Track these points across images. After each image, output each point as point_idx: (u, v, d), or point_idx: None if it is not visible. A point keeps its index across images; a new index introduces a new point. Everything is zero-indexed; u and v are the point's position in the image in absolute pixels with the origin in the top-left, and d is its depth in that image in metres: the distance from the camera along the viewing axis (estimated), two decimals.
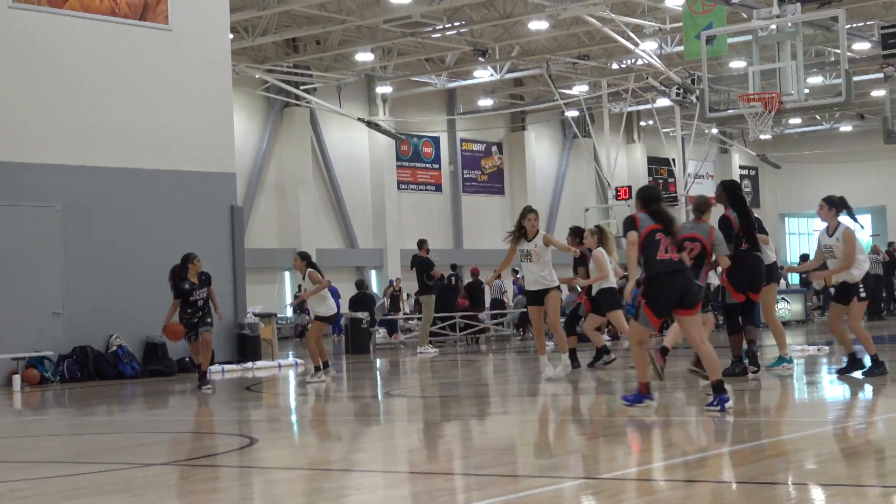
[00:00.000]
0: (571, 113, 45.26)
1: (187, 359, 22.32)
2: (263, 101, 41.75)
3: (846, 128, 57.73)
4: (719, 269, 14.86)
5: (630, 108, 46.64)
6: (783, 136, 59.01)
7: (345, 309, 30.89)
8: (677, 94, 35.28)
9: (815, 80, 41.35)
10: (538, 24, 36.06)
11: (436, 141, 48.22)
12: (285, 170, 42.36)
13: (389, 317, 33.10)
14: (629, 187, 43.82)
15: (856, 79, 34.88)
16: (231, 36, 26.59)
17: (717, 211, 15.33)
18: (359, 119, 41.04)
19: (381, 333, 31.08)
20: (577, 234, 18.90)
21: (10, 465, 10.34)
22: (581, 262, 18.41)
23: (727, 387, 11.69)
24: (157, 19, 22.71)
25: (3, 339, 20.18)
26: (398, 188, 45.92)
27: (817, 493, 7.45)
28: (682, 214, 42.61)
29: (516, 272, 39.82)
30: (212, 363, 22.29)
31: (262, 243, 40.53)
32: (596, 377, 17.07)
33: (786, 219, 63.01)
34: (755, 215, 15.76)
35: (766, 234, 15.83)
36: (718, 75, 37.99)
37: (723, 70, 40.85)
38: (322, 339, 18.50)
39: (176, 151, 22.85)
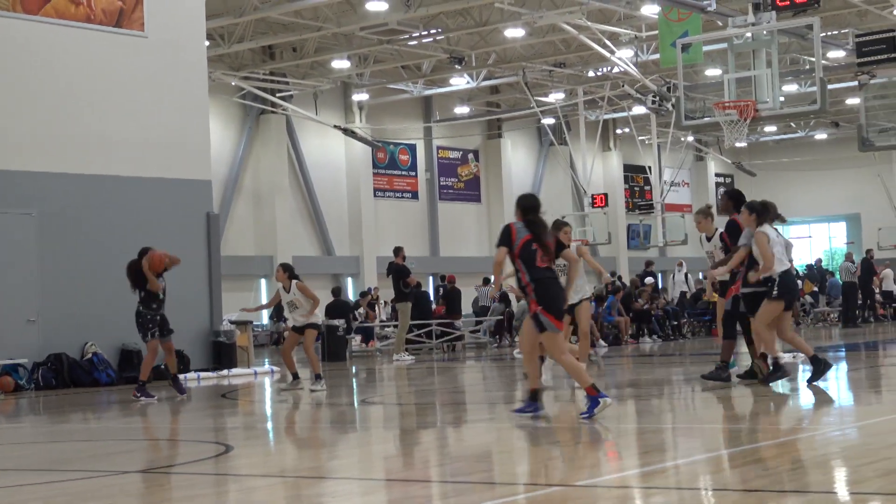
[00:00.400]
0: (547, 120, 45.32)
1: (163, 366, 22.27)
2: (240, 108, 41.68)
3: (821, 136, 57.96)
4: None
5: (606, 116, 46.71)
6: (758, 143, 59.22)
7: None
8: (653, 102, 35.39)
9: (791, 88, 41.55)
10: (514, 32, 36.11)
11: (412, 148, 48.21)
12: (261, 177, 42.29)
13: (366, 324, 33.07)
14: (605, 195, 43.95)
15: (830, 87, 34.99)
16: (207, 43, 26.53)
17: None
18: (335, 126, 41.02)
19: (357, 341, 31.06)
20: None
21: None
22: None
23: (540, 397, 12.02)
24: (132, 26, 22.66)
25: None
26: (374, 195, 45.89)
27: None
28: (657, 222, 42.76)
29: (487, 281, 39.79)
30: (187, 370, 22.28)
31: (239, 250, 40.45)
32: (571, 384, 17.08)
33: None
34: None
35: None
36: (694, 83, 38.13)
37: (698, 78, 40.99)
38: (293, 349, 18.38)
39: (152, 158, 22.79)
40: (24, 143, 21.32)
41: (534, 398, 12.17)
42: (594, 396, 11.80)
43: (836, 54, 38.49)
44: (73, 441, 13.21)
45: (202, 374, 22.14)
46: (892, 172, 49.98)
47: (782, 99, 24.21)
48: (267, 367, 24.11)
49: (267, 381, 21.66)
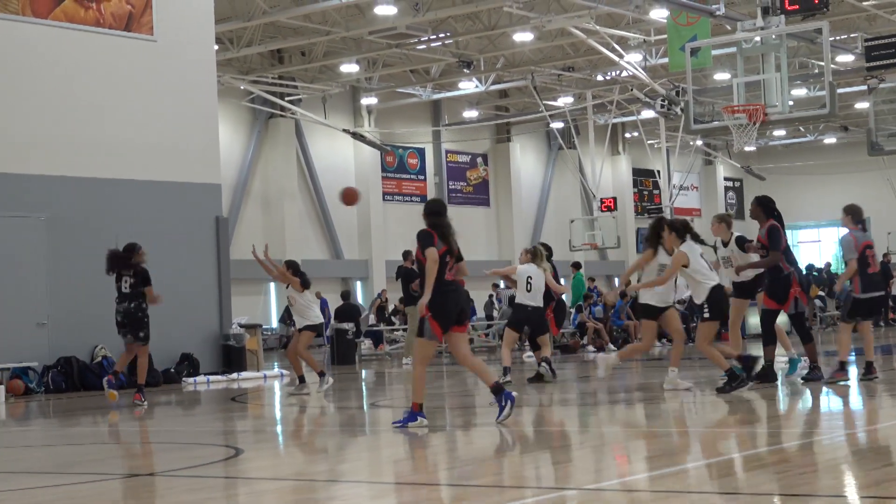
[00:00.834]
0: (556, 124, 45.32)
1: (172, 369, 22.30)
2: (249, 112, 41.72)
3: (830, 140, 57.90)
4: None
5: (615, 120, 46.70)
6: (767, 147, 59.15)
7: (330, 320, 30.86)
8: (662, 106, 35.35)
9: (800, 92, 41.48)
10: (523, 36, 36.12)
11: (421, 152, 48.23)
12: (271, 181, 42.33)
13: (375, 328, 33.07)
14: (614, 199, 43.95)
15: (840, 91, 34.97)
16: (216, 47, 26.59)
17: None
18: (344, 130, 41.04)
19: (366, 344, 31.05)
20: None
21: None
22: None
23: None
24: (142, 30, 22.70)
25: None
26: (383, 199, 45.91)
27: None
28: None
29: (497, 286, 39.85)
30: (196, 374, 22.30)
31: (248, 254, 40.22)
32: (580, 389, 17.08)
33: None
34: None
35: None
36: (703, 87, 38.06)
37: (707, 82, 40.93)
38: (309, 350, 18.44)
39: (161, 162, 22.83)
40: (33, 147, 21.36)
41: (497, 390, 12.25)
42: (418, 412, 12.07)
43: (846, 58, 38.45)
44: (83, 444, 13.23)
45: (212, 378, 22.16)
46: None
47: (791, 103, 24.18)
48: (276, 370, 24.12)
49: (276, 384, 21.67)
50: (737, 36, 23.62)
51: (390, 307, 38.94)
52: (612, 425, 12.61)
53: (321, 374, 18.00)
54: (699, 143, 50.60)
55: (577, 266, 32.11)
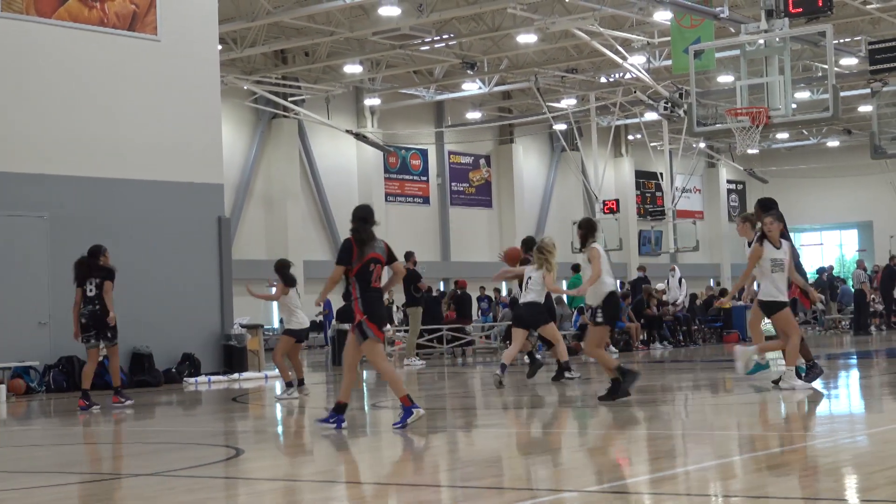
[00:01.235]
0: (559, 126, 45.32)
1: (174, 369, 22.30)
2: (252, 112, 41.74)
3: (833, 143, 57.87)
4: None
5: (618, 122, 46.71)
6: (771, 150, 59.14)
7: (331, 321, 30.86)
8: (665, 108, 35.35)
9: (803, 95, 41.49)
10: (527, 38, 36.13)
11: (424, 153, 48.24)
12: (273, 181, 42.34)
13: None
14: (617, 201, 43.92)
15: (843, 94, 35.02)
16: (220, 47, 26.59)
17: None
18: (347, 131, 41.06)
19: None
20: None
21: None
22: None
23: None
24: (145, 30, 22.71)
25: None
26: (386, 200, 45.91)
27: None
28: (669, 228, 42.74)
29: (498, 291, 39.88)
30: (197, 374, 22.29)
31: (250, 254, 40.48)
32: (582, 391, 17.07)
33: None
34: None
35: None
36: (706, 89, 38.07)
37: (710, 84, 40.93)
38: (297, 355, 18.18)
39: (164, 162, 22.83)
40: (36, 146, 21.37)
41: (339, 410, 12.40)
42: (408, 407, 12.16)
43: (849, 61, 38.44)
44: (84, 444, 13.23)
45: (213, 378, 22.16)
46: None
47: (794, 106, 24.20)
48: (277, 371, 24.08)
49: (278, 385, 21.66)
50: (740, 38, 23.62)
51: (394, 308, 38.98)
52: (613, 427, 12.59)
53: (288, 384, 17.81)
54: (702, 145, 50.59)
55: (576, 268, 32.08)
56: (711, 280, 54.90)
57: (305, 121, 42.33)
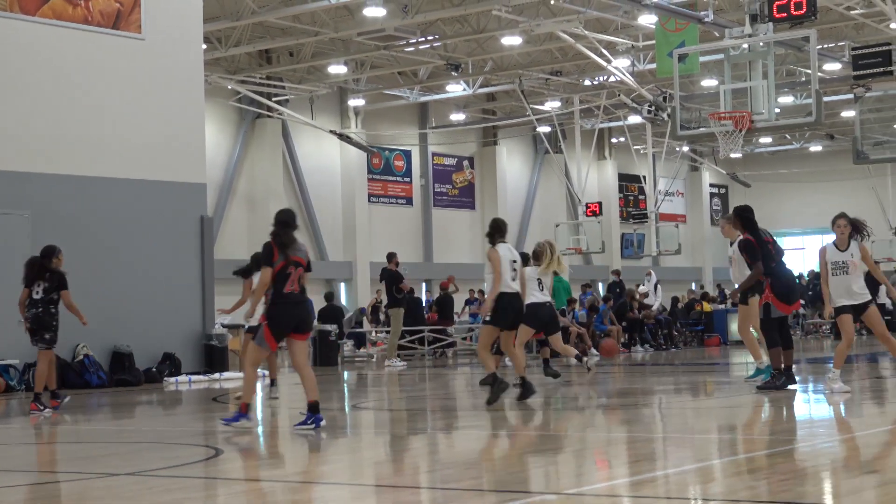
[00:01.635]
0: (543, 128, 45.32)
1: (154, 368, 22.26)
2: (235, 111, 41.66)
3: (816, 147, 58.02)
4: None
5: (602, 125, 46.72)
6: (753, 154, 59.27)
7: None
8: (649, 112, 35.39)
9: (786, 99, 41.55)
10: (511, 40, 36.13)
11: (407, 154, 48.22)
12: (256, 181, 42.28)
13: (358, 329, 33.05)
14: (600, 203, 43.95)
15: (826, 99, 35.09)
16: (204, 46, 26.55)
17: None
18: (331, 131, 41.00)
19: (349, 346, 31.03)
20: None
21: None
22: None
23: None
24: (129, 28, 22.66)
25: None
26: (369, 201, 45.87)
27: None
28: (651, 231, 42.78)
29: (483, 293, 39.73)
30: (178, 374, 22.25)
31: (232, 254, 40.31)
32: (563, 391, 17.08)
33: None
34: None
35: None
36: (690, 93, 38.12)
37: (694, 88, 40.99)
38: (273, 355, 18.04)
39: (147, 161, 22.79)
40: (19, 144, 21.31)
41: (313, 410, 12.54)
42: (243, 413, 12.52)
43: (833, 67, 38.53)
44: (63, 443, 13.19)
45: (193, 378, 22.13)
46: (886, 185, 50.05)
47: (778, 110, 24.20)
48: (258, 371, 24.04)
49: (258, 385, 21.62)
50: (724, 43, 23.65)
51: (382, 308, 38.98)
52: (594, 430, 12.61)
53: (272, 382, 17.77)
54: (685, 149, 50.64)
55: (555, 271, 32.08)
56: (693, 283, 55.00)
57: (289, 121, 42.26)
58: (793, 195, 58.73)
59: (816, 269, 50.65)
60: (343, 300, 42.84)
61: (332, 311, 30.71)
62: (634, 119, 43.26)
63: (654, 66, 34.00)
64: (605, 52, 34.49)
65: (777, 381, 15.63)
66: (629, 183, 56.85)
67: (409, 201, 48.24)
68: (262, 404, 17.23)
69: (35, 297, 16.30)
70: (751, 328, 17.18)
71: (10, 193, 21.04)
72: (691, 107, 31.26)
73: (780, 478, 8.63)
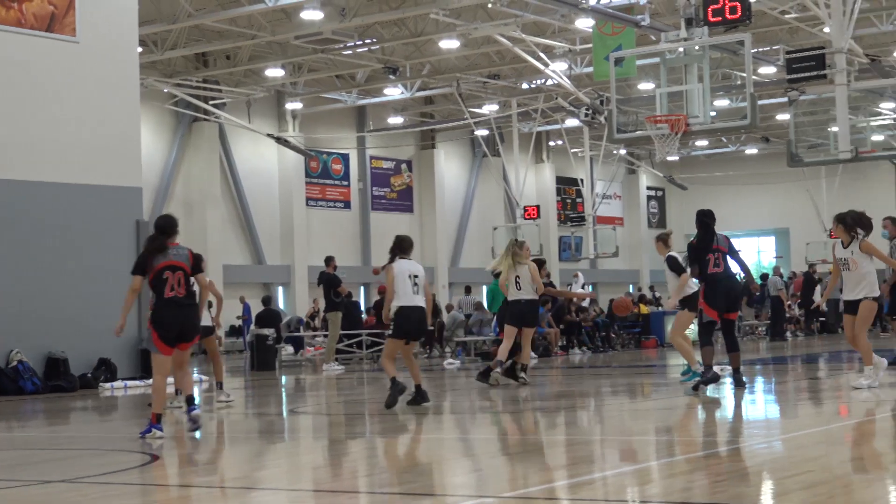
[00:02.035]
0: (481, 132, 45.40)
1: (89, 374, 22.07)
2: (172, 115, 41.42)
3: (751, 150, 58.55)
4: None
5: (539, 128, 46.86)
6: (690, 157, 59.69)
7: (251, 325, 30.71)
8: (586, 115, 35.52)
9: (722, 102, 41.90)
10: (449, 43, 36.16)
11: (345, 158, 48.14)
12: (193, 185, 42.05)
13: (296, 333, 32.94)
14: (538, 207, 44.07)
15: (761, 102, 35.33)
16: (140, 49, 26.36)
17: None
18: (268, 135, 40.84)
19: (287, 350, 30.91)
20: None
21: None
22: None
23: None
24: (64, 31, 22.46)
25: None
26: (307, 205, 45.77)
27: None
28: (589, 234, 42.97)
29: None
30: (114, 379, 22.08)
31: None
32: (503, 396, 17.11)
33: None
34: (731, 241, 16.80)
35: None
36: (627, 97, 38.36)
37: (631, 92, 41.24)
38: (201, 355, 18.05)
39: (82, 165, 22.59)
40: None
41: (189, 402, 12.73)
42: (153, 424, 12.51)
43: (767, 70, 38.88)
44: None
45: (129, 383, 21.96)
46: (820, 188, 50.52)
47: (713, 114, 24.40)
48: (196, 376, 23.92)
49: (195, 389, 21.48)
50: (660, 46, 23.78)
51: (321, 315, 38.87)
52: (532, 433, 12.63)
53: (176, 392, 17.64)
54: (622, 152, 50.93)
55: (497, 273, 32.13)
56: (631, 286, 55.30)
57: (226, 124, 42.07)
58: (729, 197, 59.20)
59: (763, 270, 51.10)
60: (281, 304, 42.70)
61: (270, 316, 30.58)
62: (572, 122, 43.41)
63: (591, 69, 34.13)
64: (542, 55, 34.59)
65: (706, 374, 16.03)
66: (567, 186, 57.08)
67: (348, 205, 48.16)
68: (212, 407, 17.11)
69: None
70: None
71: None
72: (628, 110, 31.46)
73: (716, 479, 8.69)
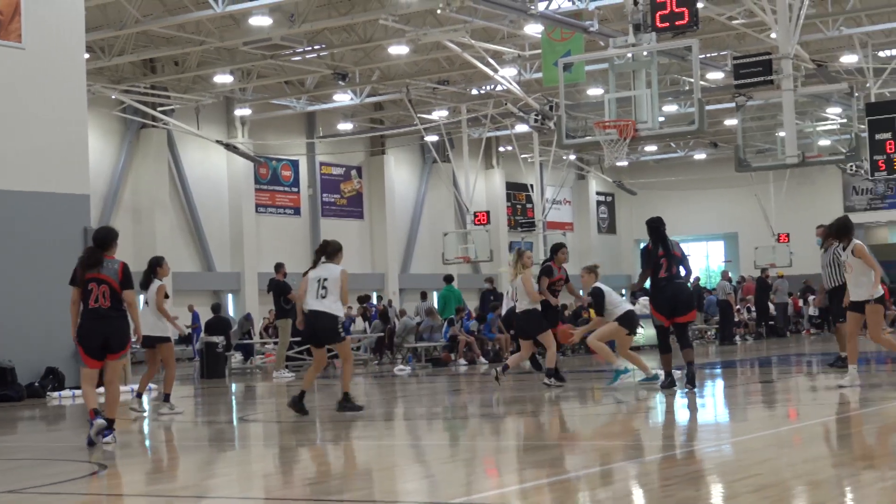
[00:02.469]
0: (431, 138, 45.40)
1: (37, 383, 21.88)
2: (120, 121, 41.18)
3: (700, 155, 58.89)
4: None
5: (489, 134, 46.95)
6: (639, 163, 59.97)
7: (201, 333, 30.55)
8: (535, 121, 35.61)
9: (670, 108, 42.09)
10: (398, 49, 36.15)
11: (295, 164, 48.04)
12: (142, 192, 41.83)
13: (245, 341, 32.80)
14: (488, 212, 44.12)
15: (709, 108, 35.61)
16: (87, 55, 26.18)
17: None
18: (217, 141, 40.69)
19: (236, 358, 30.78)
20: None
21: None
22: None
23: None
24: (9, 37, 22.26)
25: None
26: (256, 211, 45.63)
27: None
28: (539, 239, 43.07)
29: (366, 301, 39.53)
30: (62, 388, 21.91)
31: None
32: (451, 402, 17.11)
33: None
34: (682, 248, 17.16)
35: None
36: (576, 102, 38.35)
37: (580, 97, 41.31)
38: (155, 364, 17.91)
39: (28, 172, 22.39)
40: None
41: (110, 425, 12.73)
42: (92, 419, 12.64)
43: (715, 76, 39.11)
44: None
45: (77, 392, 21.76)
46: (768, 192, 50.91)
47: (662, 119, 24.44)
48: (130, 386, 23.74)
49: (145, 398, 21.36)
50: (609, 52, 23.86)
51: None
52: (482, 438, 12.63)
53: (139, 395, 17.66)
54: (572, 157, 51.08)
55: (448, 279, 32.17)
56: (581, 291, 55.40)
57: (175, 131, 41.88)
58: (678, 202, 59.54)
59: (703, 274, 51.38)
60: (231, 311, 42.52)
61: (220, 323, 30.45)
62: (521, 128, 43.50)
63: (540, 75, 34.22)
64: (491, 61, 34.65)
65: (665, 381, 16.68)
66: (517, 191, 57.20)
67: (297, 211, 48.06)
68: (149, 416, 17.02)
69: None
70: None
71: None
72: (577, 116, 31.50)
73: (664, 483, 8.72)
